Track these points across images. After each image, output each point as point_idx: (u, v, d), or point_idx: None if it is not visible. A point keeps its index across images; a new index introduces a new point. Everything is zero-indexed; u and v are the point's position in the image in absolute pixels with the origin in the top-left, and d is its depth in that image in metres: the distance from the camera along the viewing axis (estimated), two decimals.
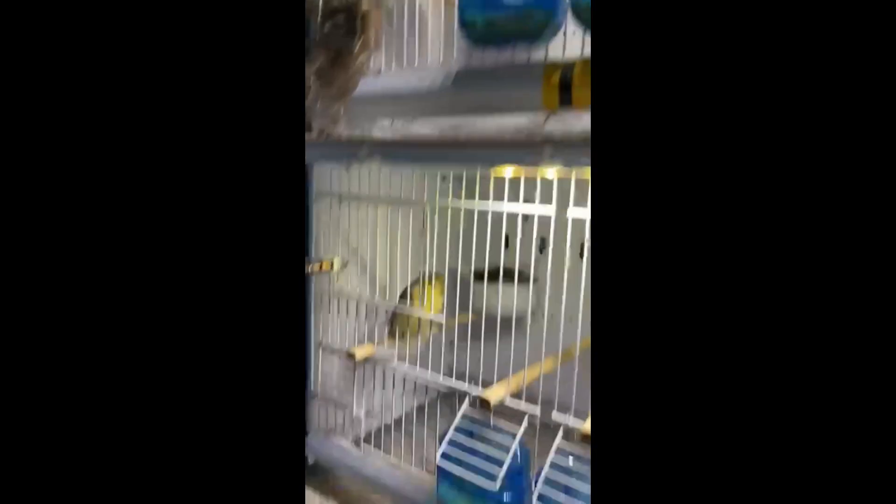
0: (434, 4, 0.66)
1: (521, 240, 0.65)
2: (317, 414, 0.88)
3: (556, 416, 0.62)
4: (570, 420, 0.61)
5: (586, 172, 0.53)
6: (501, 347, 0.67)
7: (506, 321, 0.68)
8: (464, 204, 0.66)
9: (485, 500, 0.61)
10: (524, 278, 0.84)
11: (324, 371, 0.87)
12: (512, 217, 0.64)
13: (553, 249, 0.64)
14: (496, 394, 0.65)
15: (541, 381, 0.66)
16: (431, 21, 0.66)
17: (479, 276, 0.74)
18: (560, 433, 0.60)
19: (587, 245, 0.60)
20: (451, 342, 0.76)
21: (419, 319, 0.79)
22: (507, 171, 0.61)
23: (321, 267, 0.81)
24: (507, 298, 0.79)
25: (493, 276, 0.67)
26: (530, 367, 0.67)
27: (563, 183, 0.59)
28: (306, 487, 0.91)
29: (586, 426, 0.57)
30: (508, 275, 0.74)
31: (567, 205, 0.58)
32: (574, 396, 0.61)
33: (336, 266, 0.83)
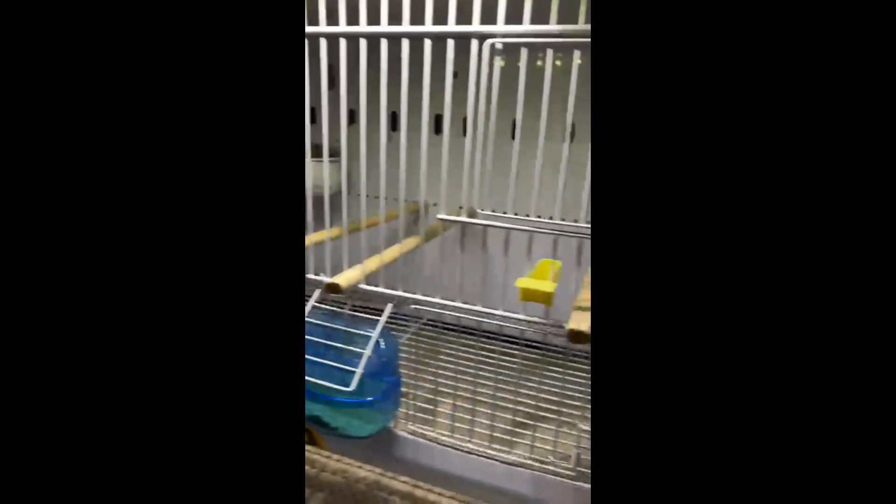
0: None
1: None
2: None
3: (310, 276, 0.57)
4: (323, 278, 0.56)
5: None
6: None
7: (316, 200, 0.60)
8: None
9: None
10: (334, 153, 0.74)
11: None
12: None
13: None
14: None
15: (320, 247, 0.60)
16: None
17: None
18: (316, 291, 0.56)
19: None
20: None
21: None
22: None
23: None
24: (318, 176, 0.69)
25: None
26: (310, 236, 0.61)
27: None
28: None
29: (334, 279, 0.52)
30: (317, 150, 0.64)
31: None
32: (344, 261, 0.57)
33: None
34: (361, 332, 0.52)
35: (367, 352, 0.50)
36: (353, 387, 0.48)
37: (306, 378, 0.51)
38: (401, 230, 0.64)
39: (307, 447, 0.66)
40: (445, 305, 0.54)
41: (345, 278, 0.53)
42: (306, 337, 0.53)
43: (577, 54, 0.44)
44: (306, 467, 0.70)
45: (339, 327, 0.54)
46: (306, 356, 0.52)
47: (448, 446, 0.58)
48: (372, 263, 0.55)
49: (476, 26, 0.45)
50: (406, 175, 0.52)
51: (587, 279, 0.53)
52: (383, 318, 0.54)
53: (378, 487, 0.68)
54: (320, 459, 0.72)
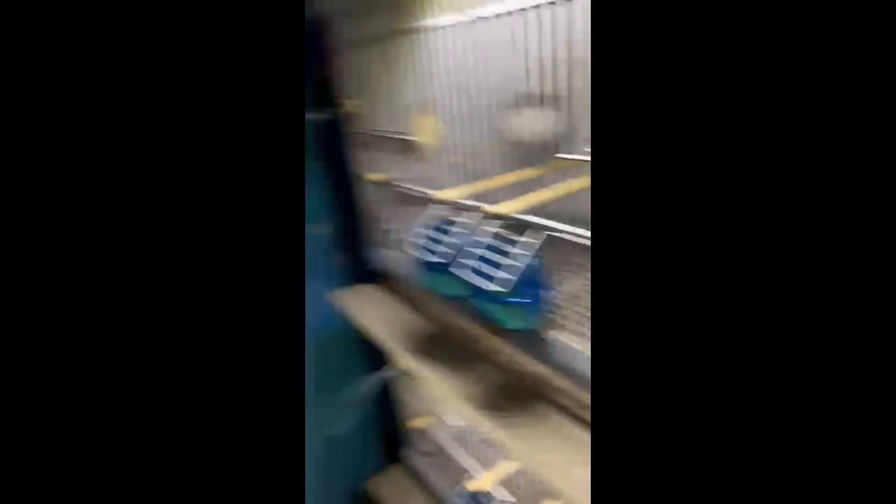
0: None
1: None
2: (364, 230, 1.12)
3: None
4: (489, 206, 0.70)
5: None
6: None
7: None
8: None
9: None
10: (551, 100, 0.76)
11: (364, 196, 1.09)
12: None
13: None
14: (448, 194, 0.77)
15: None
16: None
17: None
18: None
19: None
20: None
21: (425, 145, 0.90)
22: None
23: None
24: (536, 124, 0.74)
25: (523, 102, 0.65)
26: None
27: None
28: (376, 288, 1.18)
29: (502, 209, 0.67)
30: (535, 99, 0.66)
31: None
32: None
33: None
34: (511, 251, 0.66)
35: (517, 264, 0.64)
36: (508, 289, 0.63)
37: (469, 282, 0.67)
38: None
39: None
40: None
41: (506, 207, 0.66)
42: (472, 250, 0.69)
43: None
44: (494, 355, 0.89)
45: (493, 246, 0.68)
46: (470, 264, 0.68)
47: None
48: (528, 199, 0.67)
49: None
50: None
51: None
52: (534, 242, 0.66)
53: (542, 383, 0.82)
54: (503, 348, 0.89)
